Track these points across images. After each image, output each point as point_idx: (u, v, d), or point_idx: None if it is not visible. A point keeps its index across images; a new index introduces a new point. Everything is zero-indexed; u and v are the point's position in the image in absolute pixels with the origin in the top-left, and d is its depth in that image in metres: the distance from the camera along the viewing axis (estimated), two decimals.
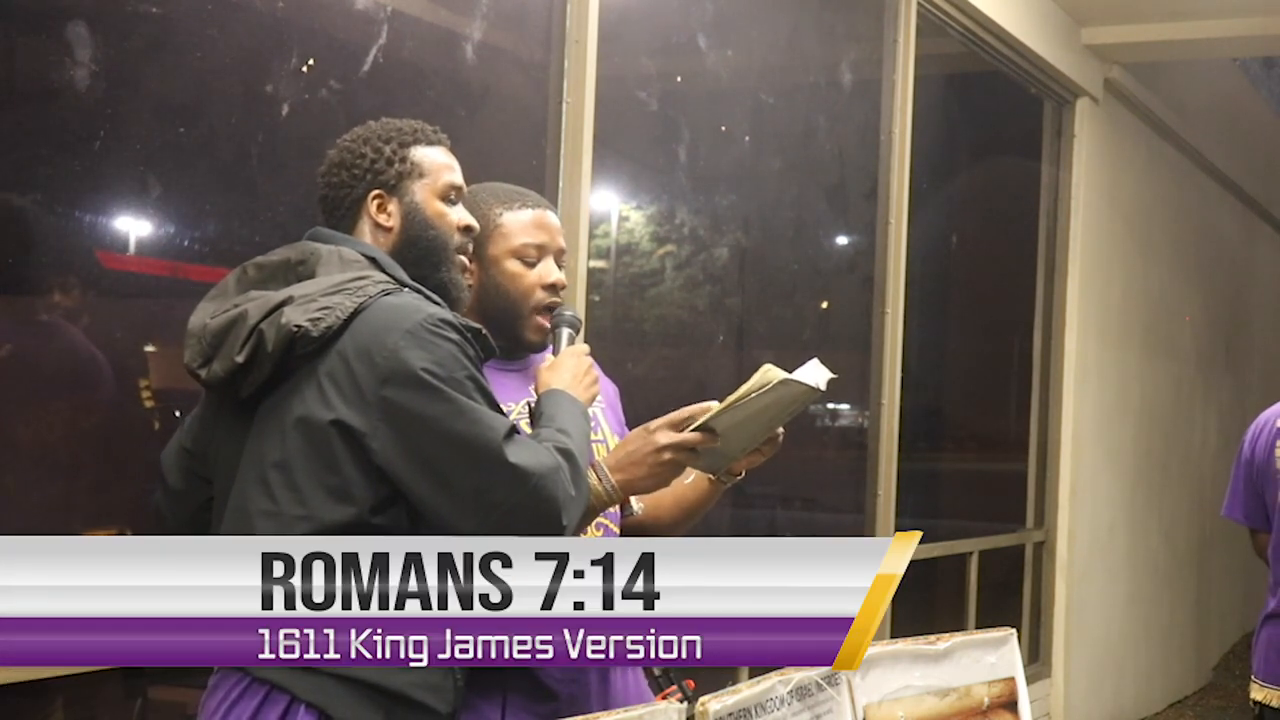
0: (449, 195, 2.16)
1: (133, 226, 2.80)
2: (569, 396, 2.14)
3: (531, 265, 2.31)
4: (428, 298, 2.03)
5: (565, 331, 2.31)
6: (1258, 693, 4.06)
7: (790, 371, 2.15)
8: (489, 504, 1.92)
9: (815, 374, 2.18)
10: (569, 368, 2.21)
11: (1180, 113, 8.32)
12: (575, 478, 1.99)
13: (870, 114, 5.40)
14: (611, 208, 4.31)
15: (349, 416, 1.92)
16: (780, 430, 2.30)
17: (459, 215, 2.16)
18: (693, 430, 2.19)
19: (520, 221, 2.32)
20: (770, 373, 2.13)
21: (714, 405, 2.18)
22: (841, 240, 5.55)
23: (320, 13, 3.18)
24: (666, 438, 2.18)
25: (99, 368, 2.70)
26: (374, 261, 2.06)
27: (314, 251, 2.05)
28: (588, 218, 3.77)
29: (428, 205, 2.13)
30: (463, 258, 2.17)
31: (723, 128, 4.77)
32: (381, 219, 2.11)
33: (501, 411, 1.99)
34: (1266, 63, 11.30)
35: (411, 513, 1.97)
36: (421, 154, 2.15)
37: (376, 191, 2.11)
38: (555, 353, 2.29)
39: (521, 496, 1.92)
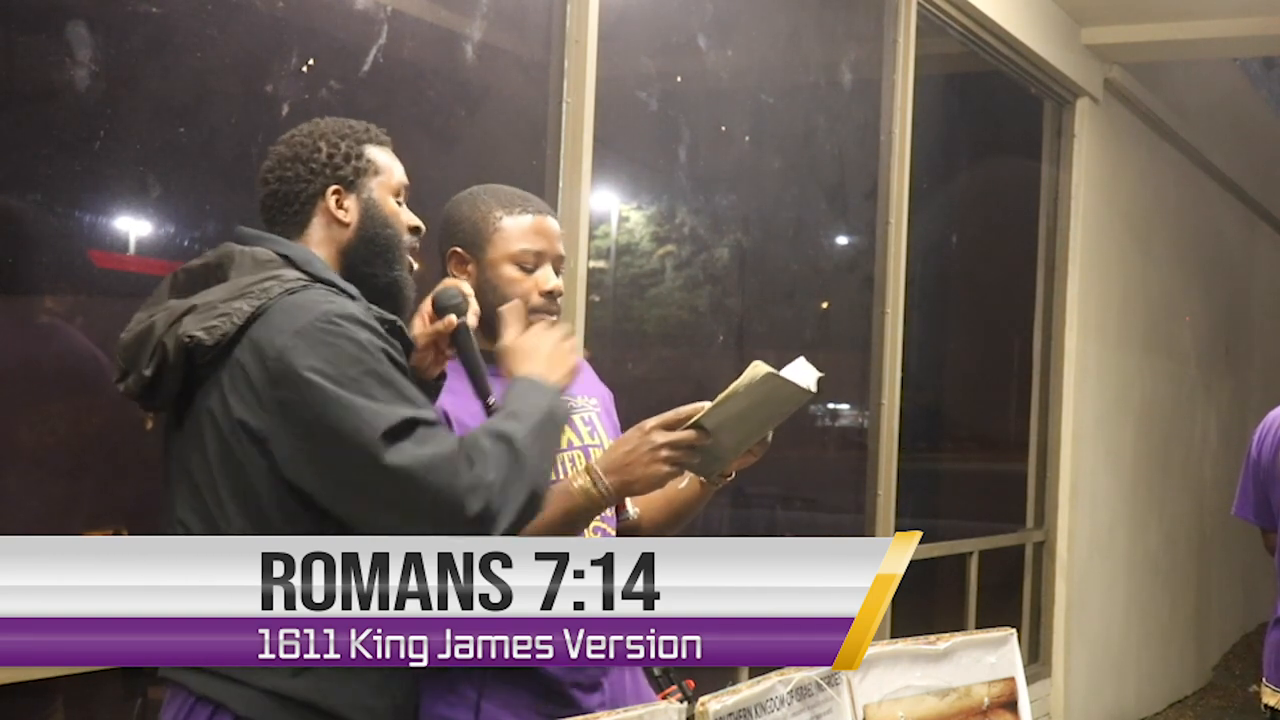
0: (399, 195, 2.15)
1: (132, 227, 2.80)
2: (530, 381, 2.08)
3: (529, 271, 2.30)
4: (343, 291, 2.00)
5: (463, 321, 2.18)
6: (1270, 697, 4.05)
7: (778, 370, 2.16)
8: (383, 503, 1.89)
9: (803, 373, 2.18)
10: (541, 351, 2.13)
11: (1180, 113, 8.32)
12: (497, 462, 1.92)
13: (870, 114, 5.40)
14: (611, 208, 4.31)
15: (251, 422, 1.90)
16: (769, 433, 2.31)
17: (408, 216, 2.15)
18: (686, 428, 2.18)
19: (520, 227, 2.30)
20: (758, 368, 2.14)
21: (706, 405, 2.18)
22: (841, 240, 5.55)
23: (320, 13, 3.18)
24: (662, 437, 2.17)
25: (100, 368, 2.70)
26: (288, 259, 2.03)
27: (228, 254, 2.03)
28: (588, 218, 3.76)
29: (384, 203, 2.11)
30: (410, 258, 2.15)
31: (723, 128, 4.77)
32: (340, 214, 2.09)
33: (425, 402, 1.94)
34: (1266, 63, 11.30)
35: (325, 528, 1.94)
36: (375, 152, 2.13)
37: (335, 187, 2.09)
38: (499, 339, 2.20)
39: (408, 494, 1.87)
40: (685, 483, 2.39)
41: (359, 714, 1.94)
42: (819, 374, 2.20)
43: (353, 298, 2.00)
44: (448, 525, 1.88)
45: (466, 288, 2.22)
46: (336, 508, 1.92)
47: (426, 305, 2.19)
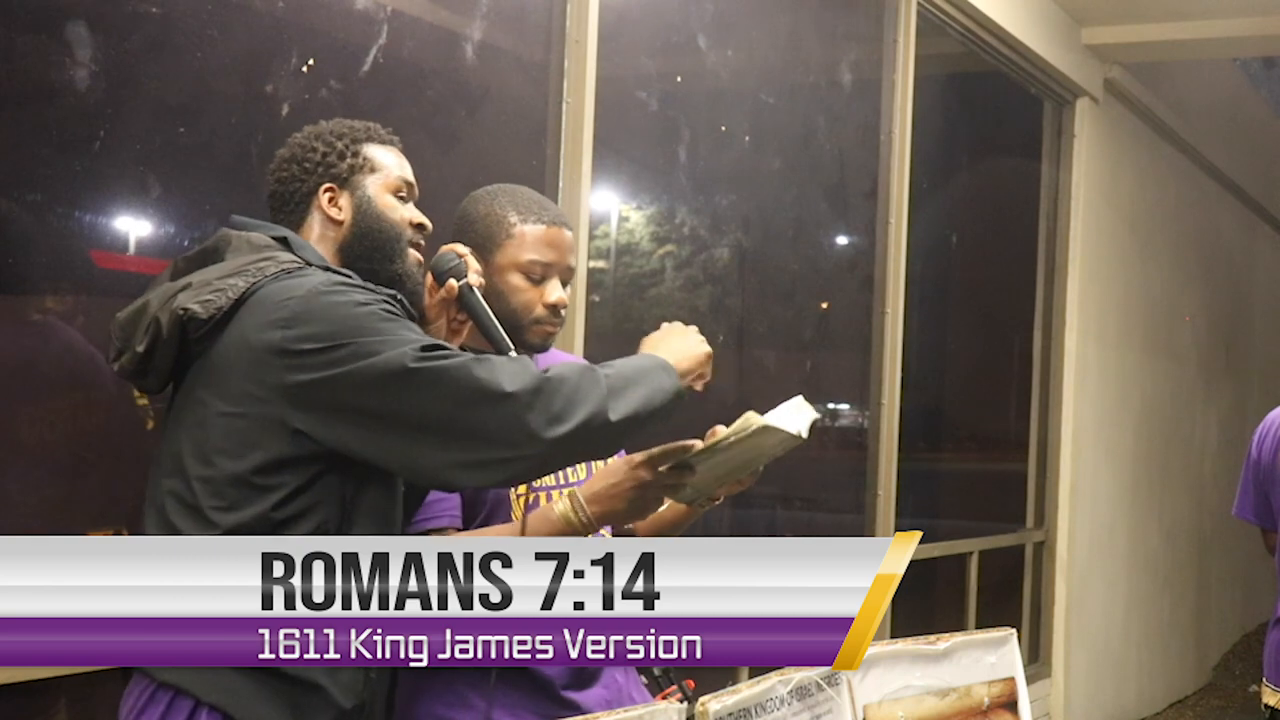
0: (400, 191, 2.15)
1: (132, 227, 2.80)
2: (645, 354, 2.07)
3: (535, 282, 2.29)
4: (337, 273, 2.00)
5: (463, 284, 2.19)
6: (1270, 697, 4.05)
7: (777, 405, 2.14)
8: (428, 420, 1.88)
9: (796, 416, 2.15)
10: (668, 340, 2.12)
11: (1180, 113, 8.32)
12: (565, 370, 1.92)
13: (870, 114, 5.40)
14: (611, 208, 4.31)
15: (259, 406, 1.90)
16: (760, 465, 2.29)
17: (410, 212, 2.16)
18: (672, 468, 2.15)
19: (532, 236, 2.29)
20: (751, 419, 2.10)
21: (696, 444, 2.15)
22: (841, 240, 5.55)
23: (320, 13, 3.17)
24: (648, 473, 2.14)
25: (99, 368, 2.70)
26: (284, 242, 2.04)
27: (225, 238, 2.05)
28: (588, 218, 3.77)
29: (379, 199, 2.12)
30: (415, 252, 2.14)
31: (723, 128, 4.77)
32: (333, 212, 2.10)
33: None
34: (1266, 63, 11.31)
35: (340, 493, 1.94)
36: (374, 150, 2.15)
37: (328, 185, 2.11)
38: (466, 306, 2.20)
39: (441, 390, 1.87)
40: (667, 505, 2.38)
41: (325, 679, 1.92)
42: (814, 415, 2.17)
43: (348, 277, 2.00)
44: (493, 410, 1.86)
45: (462, 248, 2.21)
46: (391, 450, 1.90)
47: (428, 279, 2.19)
